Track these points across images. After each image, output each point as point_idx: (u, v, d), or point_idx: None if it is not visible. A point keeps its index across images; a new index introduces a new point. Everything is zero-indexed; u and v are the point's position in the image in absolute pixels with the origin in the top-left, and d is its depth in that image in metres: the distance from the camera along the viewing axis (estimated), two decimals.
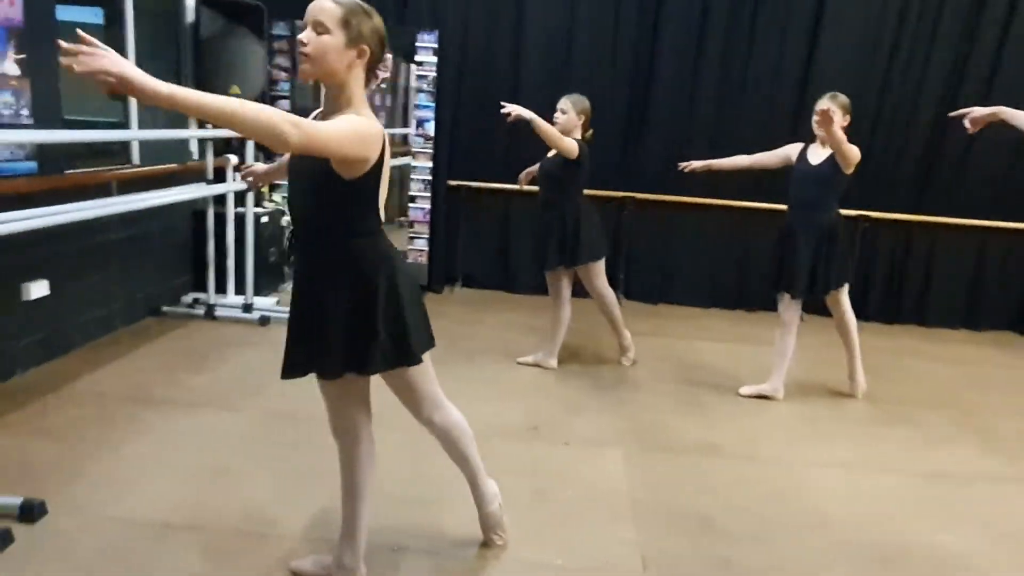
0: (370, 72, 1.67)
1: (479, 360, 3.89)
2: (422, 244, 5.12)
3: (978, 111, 2.51)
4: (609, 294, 3.85)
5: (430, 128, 4.94)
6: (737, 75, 5.00)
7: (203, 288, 4.55)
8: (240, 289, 4.49)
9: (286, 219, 4.99)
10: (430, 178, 5.01)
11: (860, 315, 3.90)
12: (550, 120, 3.48)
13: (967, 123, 2.53)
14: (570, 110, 3.59)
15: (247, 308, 4.36)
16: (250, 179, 2.17)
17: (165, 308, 4.33)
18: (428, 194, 5.05)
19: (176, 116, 4.43)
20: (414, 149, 5.00)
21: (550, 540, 2.24)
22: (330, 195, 1.65)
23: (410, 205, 5.10)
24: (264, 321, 4.25)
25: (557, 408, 3.32)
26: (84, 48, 1.25)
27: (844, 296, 3.53)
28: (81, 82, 1.28)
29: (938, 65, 4.90)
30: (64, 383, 3.20)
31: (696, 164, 3.78)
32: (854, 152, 3.16)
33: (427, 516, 2.31)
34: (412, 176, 5.03)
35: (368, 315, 1.70)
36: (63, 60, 1.25)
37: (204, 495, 2.37)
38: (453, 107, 4.97)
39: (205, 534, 2.14)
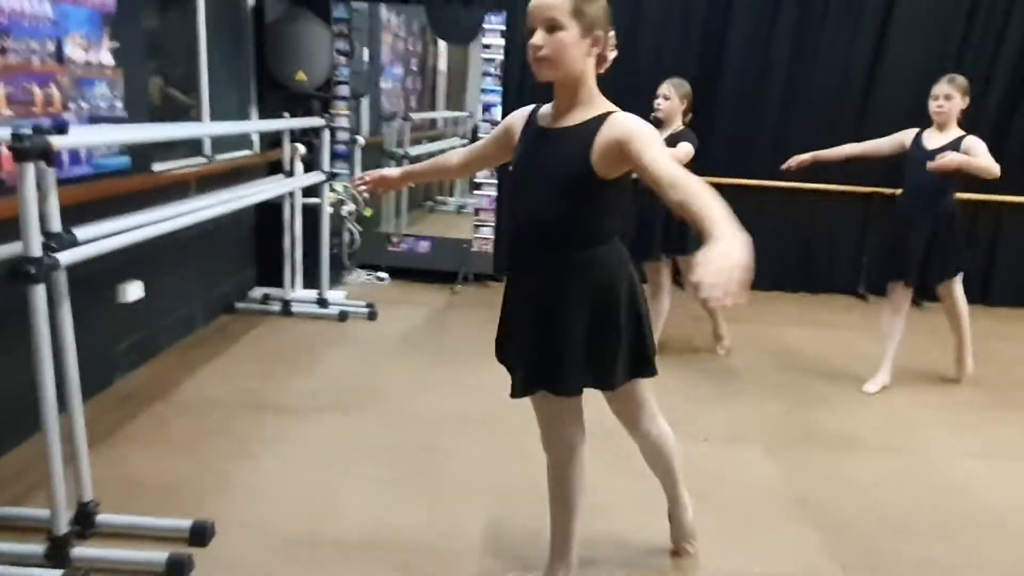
0: (601, 57, 1.53)
1: None
2: (488, 232, 4.99)
3: None
4: None
5: (496, 113, 4.79)
6: (808, 58, 4.90)
7: (269, 283, 4.42)
8: (310, 283, 4.37)
9: (348, 208, 4.85)
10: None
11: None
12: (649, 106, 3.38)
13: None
14: (673, 96, 3.47)
15: (322, 303, 4.22)
16: (379, 189, 2.09)
17: (238, 305, 4.19)
18: (495, 181, 4.91)
19: (240, 105, 4.31)
20: (481, 134, 4.86)
21: (734, 546, 2.16)
22: (584, 196, 1.53)
23: (475, 192, 4.97)
24: (343, 316, 4.12)
25: (679, 401, 3.24)
26: None
27: (958, 285, 3.46)
28: None
29: (1005, 57, 4.85)
30: (169, 389, 3.06)
31: (803, 157, 3.65)
32: (994, 168, 3.08)
33: (605, 526, 2.22)
34: None
35: (612, 325, 1.59)
36: None
37: (369, 507, 2.26)
38: (519, 92, 4.81)
39: (391, 552, 2.04)
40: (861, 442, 2.93)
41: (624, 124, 1.47)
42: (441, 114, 7.24)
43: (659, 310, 3.69)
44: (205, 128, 3.82)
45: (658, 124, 3.42)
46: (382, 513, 2.24)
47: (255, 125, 4.11)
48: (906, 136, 3.44)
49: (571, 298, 1.57)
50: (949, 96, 3.26)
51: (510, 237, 1.76)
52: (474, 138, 7.38)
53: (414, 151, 6.29)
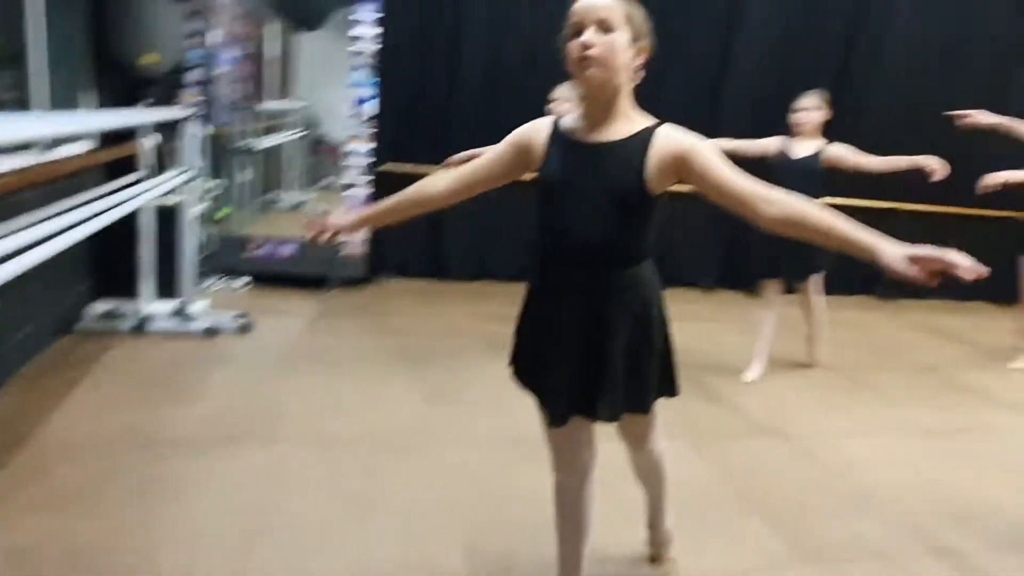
0: (639, 69, 1.50)
1: (478, 358, 3.73)
2: (360, 234, 4.72)
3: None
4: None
5: (370, 108, 4.54)
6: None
7: (112, 295, 3.84)
8: (164, 293, 3.86)
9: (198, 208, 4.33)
10: (369, 161, 4.62)
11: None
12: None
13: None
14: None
15: (184, 317, 3.74)
16: (334, 237, 1.69)
17: (79, 325, 3.59)
18: (367, 178, 4.66)
19: (69, 92, 3.67)
20: (351, 132, 4.58)
21: (698, 545, 2.22)
22: (636, 213, 1.48)
23: (345, 193, 4.68)
24: (212, 332, 3.68)
25: None
26: None
27: (819, 280, 3.87)
28: None
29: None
30: (32, 431, 2.54)
31: None
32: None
33: None
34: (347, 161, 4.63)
35: (650, 344, 1.56)
36: None
37: (329, 549, 2.04)
38: (392, 85, 4.60)
39: None
40: (759, 430, 3.17)
41: (681, 139, 1.46)
42: (285, 104, 6.76)
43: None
44: (38, 123, 3.20)
45: None
46: (346, 554, 2.03)
47: (105, 118, 3.52)
48: (770, 144, 3.76)
49: (618, 318, 1.52)
50: (811, 108, 3.64)
51: (543, 256, 1.61)
52: (310, 130, 6.97)
53: (260, 144, 5.79)
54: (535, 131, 1.57)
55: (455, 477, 2.53)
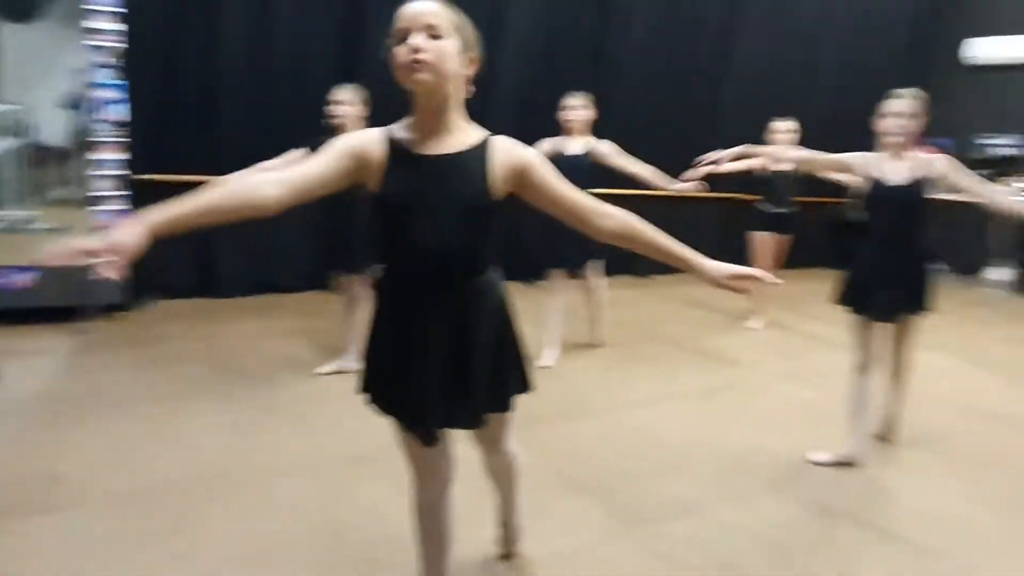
0: (468, 80, 1.51)
1: (281, 379, 3.51)
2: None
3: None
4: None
5: (118, 113, 4.01)
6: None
7: None
8: None
9: None
10: (122, 173, 4.08)
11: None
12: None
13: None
14: (355, 101, 3.46)
15: None
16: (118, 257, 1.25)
17: None
18: (123, 193, 4.12)
19: None
20: (95, 139, 4.00)
21: (535, 531, 2.33)
22: (485, 222, 1.50)
23: (92, 208, 4.09)
24: None
25: None
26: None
27: (599, 266, 4.22)
28: None
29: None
30: None
31: None
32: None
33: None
34: (91, 171, 4.04)
35: (509, 346, 1.61)
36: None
37: None
38: (143, 88, 4.11)
39: None
40: (566, 412, 3.38)
41: (520, 151, 1.52)
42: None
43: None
44: None
45: (336, 131, 3.38)
46: None
47: None
48: (543, 145, 4.00)
49: (479, 325, 1.53)
50: (579, 107, 3.96)
51: (396, 274, 1.55)
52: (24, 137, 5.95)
53: None
54: (369, 143, 1.49)
55: (286, 511, 2.37)
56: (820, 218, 7.83)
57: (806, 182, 5.13)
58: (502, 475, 1.97)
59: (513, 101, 5.58)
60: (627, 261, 6.77)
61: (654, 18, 6.22)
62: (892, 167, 2.84)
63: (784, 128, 4.99)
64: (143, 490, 2.43)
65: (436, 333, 1.51)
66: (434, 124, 1.47)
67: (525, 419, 3.13)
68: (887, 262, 2.88)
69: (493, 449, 1.86)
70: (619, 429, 3.24)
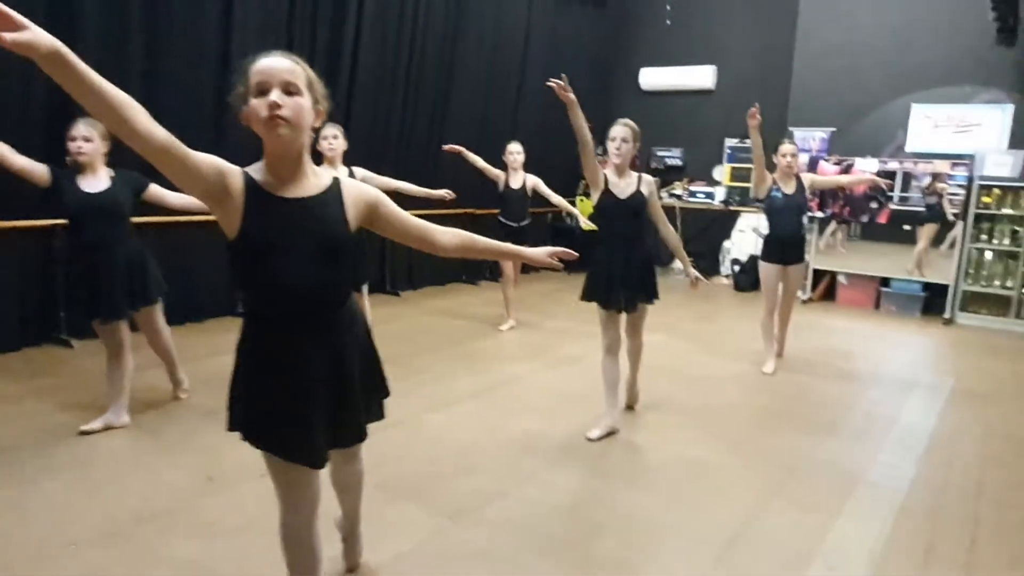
0: (314, 130, 1.63)
1: (43, 445, 3.12)
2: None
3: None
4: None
5: None
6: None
7: None
8: None
9: None
10: None
11: None
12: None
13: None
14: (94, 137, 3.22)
15: None
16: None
17: None
18: None
19: None
20: None
21: (367, 545, 2.50)
22: (342, 258, 1.65)
23: None
24: None
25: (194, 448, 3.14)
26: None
27: (364, 289, 4.41)
28: None
29: None
30: None
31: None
32: None
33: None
34: None
35: (374, 362, 1.78)
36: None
37: None
38: None
39: None
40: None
41: (367, 189, 1.72)
42: None
43: (127, 367, 3.40)
44: None
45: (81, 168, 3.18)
46: None
47: None
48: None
49: (351, 349, 1.70)
50: (338, 136, 4.15)
51: (266, 312, 1.62)
52: None
53: None
54: (232, 174, 1.55)
55: None
56: (545, 226, 8.85)
57: (537, 198, 5.85)
58: (354, 486, 2.12)
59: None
60: (378, 280, 6.99)
61: (380, 44, 6.51)
62: (616, 183, 3.46)
63: (515, 150, 5.63)
64: None
65: (315, 361, 1.63)
66: (290, 170, 1.59)
67: None
68: (620, 263, 3.48)
69: (351, 460, 2.00)
70: (417, 436, 3.47)
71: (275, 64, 1.53)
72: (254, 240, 1.56)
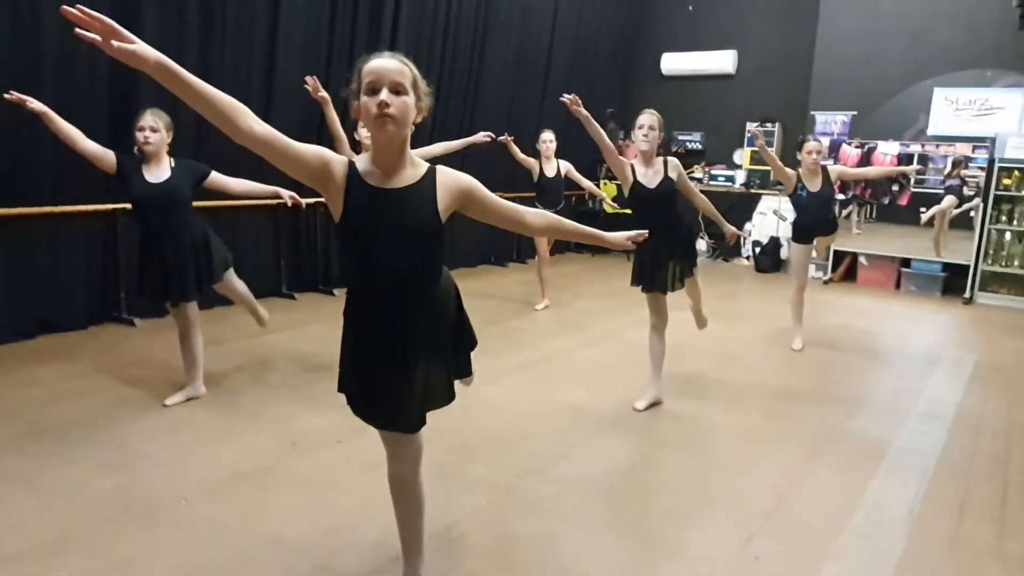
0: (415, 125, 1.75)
1: (124, 418, 3.37)
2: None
3: None
4: None
5: None
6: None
7: None
8: None
9: None
10: None
11: None
12: None
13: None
14: (160, 128, 3.41)
15: None
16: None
17: None
18: None
19: None
20: None
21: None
22: (433, 244, 1.80)
23: None
24: None
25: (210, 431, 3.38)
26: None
27: None
28: None
29: None
30: None
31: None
32: None
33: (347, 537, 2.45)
34: None
35: (464, 327, 2.03)
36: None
37: None
38: None
39: None
40: None
41: (461, 176, 1.82)
42: None
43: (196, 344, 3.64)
44: None
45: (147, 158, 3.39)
46: None
47: None
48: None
49: (443, 319, 1.90)
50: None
51: (363, 292, 1.84)
52: None
53: None
54: (337, 164, 1.72)
55: (208, 532, 2.45)
56: (569, 210, 9.04)
57: (570, 183, 6.05)
58: (406, 498, 2.10)
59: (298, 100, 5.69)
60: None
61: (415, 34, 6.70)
62: (645, 173, 3.56)
63: (548, 138, 5.82)
64: (38, 547, 2.33)
65: (406, 333, 1.82)
66: (392, 162, 1.73)
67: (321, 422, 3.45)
68: (664, 248, 3.64)
69: (400, 460, 2.03)
70: (475, 406, 3.69)
71: (385, 65, 1.66)
72: (352, 224, 1.72)
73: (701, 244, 9.48)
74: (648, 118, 3.46)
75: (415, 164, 1.78)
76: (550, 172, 5.87)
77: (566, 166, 5.93)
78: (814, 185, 4.85)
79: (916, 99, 7.72)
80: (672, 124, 9.96)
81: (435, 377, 1.89)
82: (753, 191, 9.18)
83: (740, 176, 9.43)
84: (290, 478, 2.81)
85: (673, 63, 9.87)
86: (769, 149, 4.70)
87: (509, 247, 8.50)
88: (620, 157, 3.57)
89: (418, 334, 1.83)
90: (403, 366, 1.83)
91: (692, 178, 9.68)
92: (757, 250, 8.80)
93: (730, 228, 3.93)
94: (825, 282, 7.90)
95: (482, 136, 4.75)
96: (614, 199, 9.76)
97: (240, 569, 2.23)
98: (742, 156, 9.57)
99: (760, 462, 3.16)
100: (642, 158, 3.57)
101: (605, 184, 9.66)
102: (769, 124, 9.16)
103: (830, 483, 2.99)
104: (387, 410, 1.88)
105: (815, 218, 4.89)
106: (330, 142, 4.04)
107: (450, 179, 1.80)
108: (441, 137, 7.13)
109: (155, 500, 2.62)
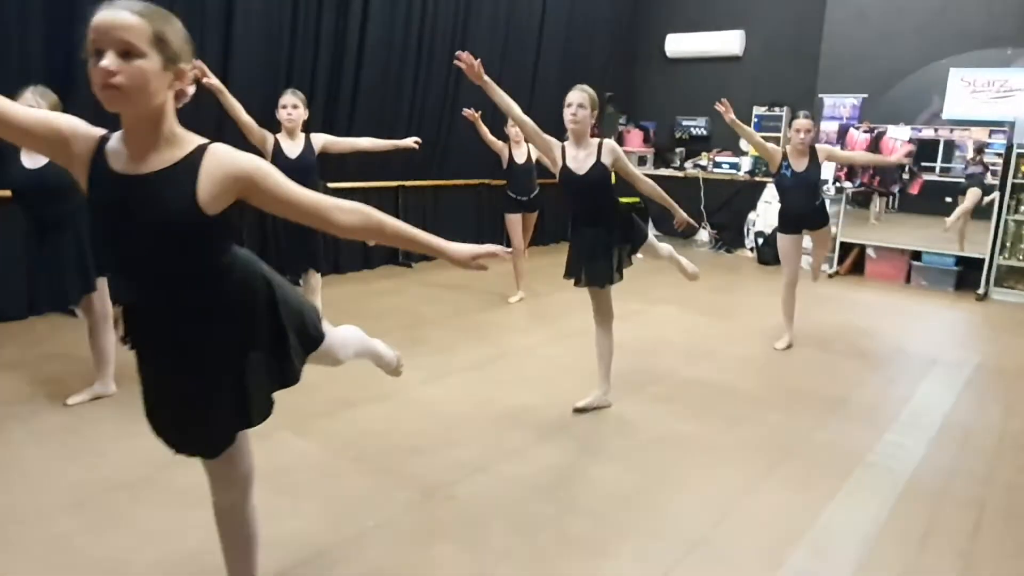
0: (182, 92, 1.41)
1: (24, 414, 3.14)
2: None
3: None
4: None
5: None
6: None
7: None
8: None
9: None
10: None
11: None
12: None
13: None
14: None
15: None
16: None
17: None
18: None
19: None
20: None
21: (330, 519, 2.45)
22: (192, 232, 1.44)
23: None
24: None
25: None
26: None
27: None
28: None
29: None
30: None
31: None
32: None
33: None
34: None
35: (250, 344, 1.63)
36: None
37: None
38: None
39: None
40: (354, 399, 3.46)
41: (237, 161, 1.41)
42: None
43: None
44: None
45: None
46: None
47: None
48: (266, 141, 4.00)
49: (216, 343, 1.54)
50: (299, 105, 4.01)
51: (118, 289, 1.53)
52: None
53: None
54: (81, 140, 1.41)
55: (62, 550, 2.20)
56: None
57: (542, 169, 5.69)
58: (233, 533, 1.85)
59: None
60: (391, 251, 6.96)
61: (389, 18, 6.37)
62: (575, 156, 3.17)
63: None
64: None
65: (162, 353, 1.53)
66: (141, 142, 1.38)
67: (313, 412, 3.23)
68: (588, 239, 3.28)
69: (223, 486, 1.77)
70: (404, 410, 3.41)
71: (110, 19, 1.28)
72: (94, 211, 1.44)
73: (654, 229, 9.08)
74: (577, 95, 3.11)
75: (178, 143, 1.40)
76: (520, 158, 5.53)
77: (537, 152, 5.57)
78: (799, 165, 4.45)
79: (930, 80, 7.20)
80: (676, 109, 9.55)
81: (232, 392, 1.54)
82: (758, 179, 8.72)
83: (746, 163, 8.97)
84: (166, 491, 2.54)
85: (678, 45, 9.42)
86: (743, 124, 4.32)
87: (502, 235, 8.15)
88: (546, 136, 3.23)
89: (191, 345, 1.50)
90: (177, 381, 1.54)
91: (697, 165, 9.30)
92: (760, 241, 8.36)
93: (681, 215, 3.49)
94: (830, 275, 7.45)
95: (411, 142, 4.44)
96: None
97: None
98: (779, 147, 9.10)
99: (704, 478, 2.82)
100: (573, 139, 3.22)
101: None
102: (777, 108, 8.69)
103: (779, 504, 2.64)
104: (170, 430, 1.60)
105: (799, 203, 4.48)
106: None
107: (222, 162, 1.40)
108: (418, 131, 6.85)
109: (14, 513, 2.38)
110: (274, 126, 4.03)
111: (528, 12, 7.89)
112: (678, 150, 9.60)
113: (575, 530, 2.40)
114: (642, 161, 9.59)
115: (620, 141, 9.67)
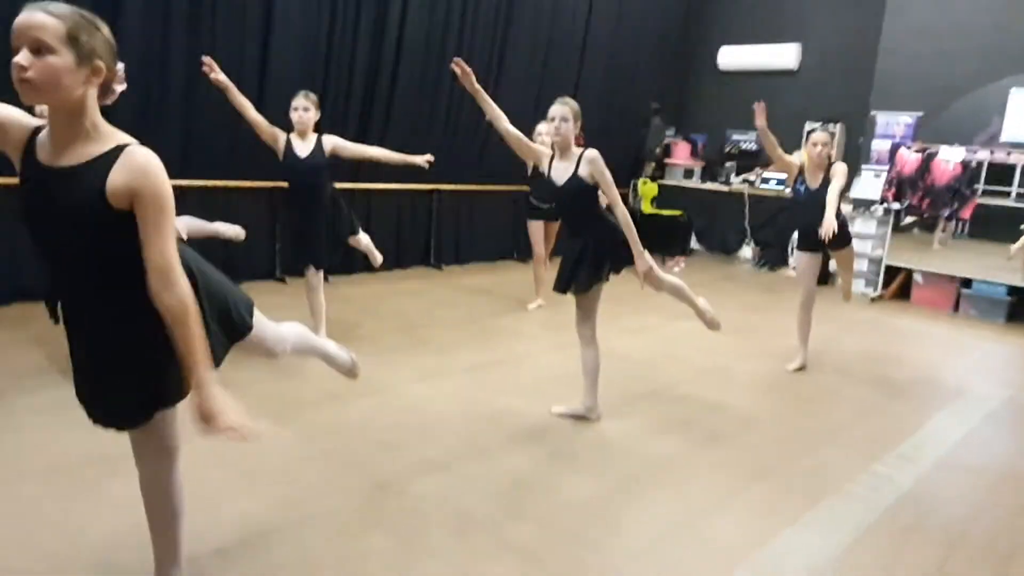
0: (105, 89, 1.52)
1: (26, 387, 3.37)
2: None
3: None
4: None
5: None
6: None
7: None
8: None
9: None
10: None
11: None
12: None
13: None
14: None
15: None
16: None
17: None
18: None
19: None
20: None
21: (302, 510, 2.53)
22: (104, 227, 1.52)
23: None
24: None
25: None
26: None
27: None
28: None
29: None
30: None
31: None
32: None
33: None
34: None
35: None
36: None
37: None
38: None
39: None
40: (342, 393, 3.54)
41: (145, 170, 1.48)
42: None
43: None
44: None
45: None
46: None
47: None
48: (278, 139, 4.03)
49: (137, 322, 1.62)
50: (311, 107, 4.06)
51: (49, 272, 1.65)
52: None
53: None
54: (16, 130, 1.53)
55: (27, 515, 2.36)
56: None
57: None
58: (156, 507, 1.91)
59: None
60: (423, 253, 7.09)
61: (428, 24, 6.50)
62: (558, 167, 3.18)
63: (544, 131, 5.47)
64: None
65: (80, 341, 1.65)
66: (61, 135, 1.48)
67: (300, 402, 3.34)
68: (571, 249, 3.28)
69: (146, 461, 1.85)
70: (388, 406, 3.48)
71: (26, 19, 1.38)
72: (21, 198, 1.52)
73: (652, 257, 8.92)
74: (559, 108, 3.11)
75: (100, 139, 1.50)
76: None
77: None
78: (814, 181, 4.33)
79: (990, 100, 6.84)
80: (726, 123, 9.38)
81: (146, 373, 1.64)
82: None
83: None
84: None
85: (731, 57, 9.26)
86: (769, 132, 4.21)
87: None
88: (533, 145, 3.28)
89: (106, 327, 1.61)
90: (94, 359, 1.66)
91: (746, 181, 9.09)
92: None
93: (644, 263, 3.17)
94: (873, 299, 7.17)
95: (422, 160, 4.36)
96: (653, 199, 9.34)
97: (25, 558, 2.12)
98: (801, 158, 8.82)
99: (666, 494, 2.78)
100: (557, 151, 3.23)
101: (644, 184, 9.20)
102: (831, 125, 8.41)
103: (734, 524, 2.58)
104: (90, 403, 1.71)
105: (808, 219, 4.33)
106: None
107: (130, 167, 1.47)
108: (453, 135, 6.95)
109: None
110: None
111: (572, 20, 7.88)
112: (728, 164, 9.41)
113: (515, 535, 2.41)
114: (688, 174, 9.46)
115: (666, 153, 9.56)
